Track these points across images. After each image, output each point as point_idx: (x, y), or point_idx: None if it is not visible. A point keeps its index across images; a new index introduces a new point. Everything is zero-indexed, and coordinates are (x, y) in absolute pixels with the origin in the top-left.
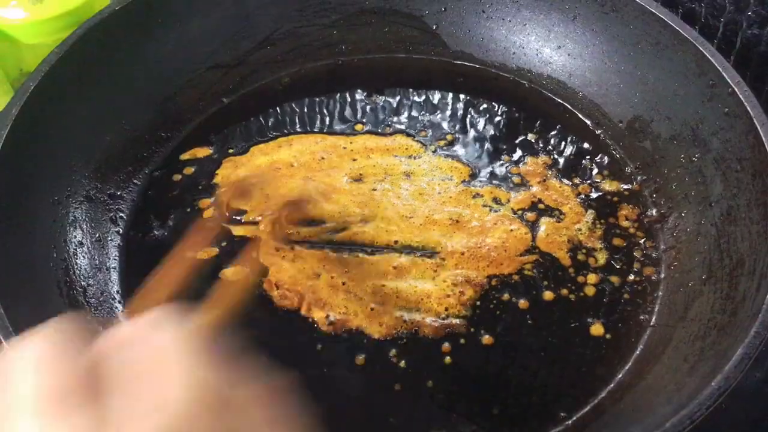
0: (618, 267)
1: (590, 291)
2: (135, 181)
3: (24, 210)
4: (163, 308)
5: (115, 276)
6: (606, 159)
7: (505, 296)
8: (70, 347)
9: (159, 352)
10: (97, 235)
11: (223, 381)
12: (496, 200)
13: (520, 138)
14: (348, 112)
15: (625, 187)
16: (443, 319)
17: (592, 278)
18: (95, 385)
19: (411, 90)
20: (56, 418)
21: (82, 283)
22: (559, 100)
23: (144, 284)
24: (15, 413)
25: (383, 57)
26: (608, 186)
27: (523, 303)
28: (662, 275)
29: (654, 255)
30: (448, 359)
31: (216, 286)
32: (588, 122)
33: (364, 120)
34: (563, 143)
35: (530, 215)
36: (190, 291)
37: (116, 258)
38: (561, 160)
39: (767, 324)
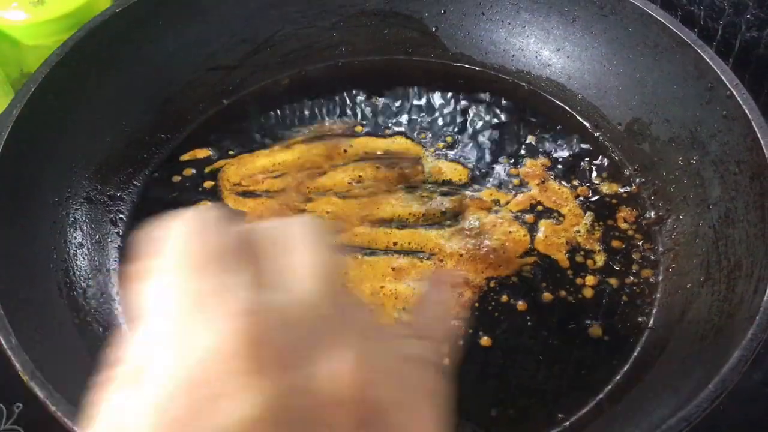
0: (616, 269)
1: (589, 293)
2: (135, 182)
3: (24, 211)
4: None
5: (115, 277)
6: (605, 161)
7: (504, 298)
8: (222, 221)
9: (305, 234)
10: (97, 237)
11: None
12: (495, 202)
13: (519, 140)
14: (348, 113)
15: (624, 189)
16: None
17: (590, 280)
18: (249, 249)
19: (411, 92)
20: (216, 274)
21: (82, 284)
22: (558, 103)
23: None
24: (176, 269)
25: (383, 59)
26: (607, 188)
27: (521, 305)
28: (660, 277)
29: (652, 257)
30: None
31: None
32: (587, 124)
33: (363, 122)
34: (562, 145)
35: (529, 217)
36: None
37: (116, 259)
38: (560, 163)
39: (764, 326)
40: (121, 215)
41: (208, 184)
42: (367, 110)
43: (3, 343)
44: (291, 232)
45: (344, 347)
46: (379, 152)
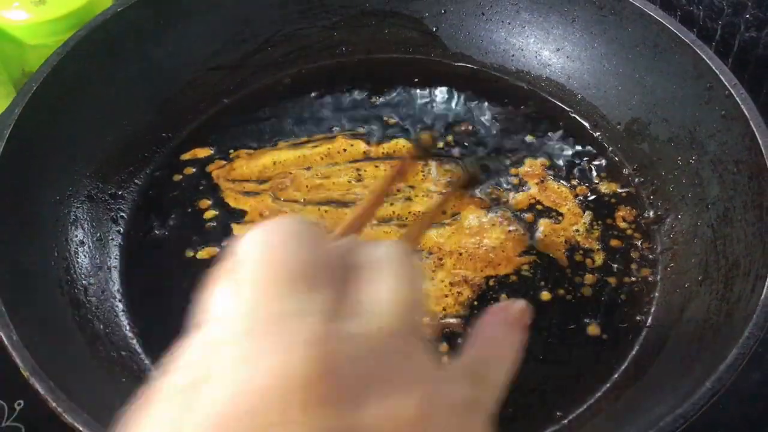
0: (615, 268)
1: (587, 292)
2: (136, 180)
3: (26, 209)
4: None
5: (115, 275)
6: (604, 161)
7: (503, 296)
8: (313, 234)
9: (397, 261)
10: (98, 235)
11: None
12: (494, 201)
13: (519, 139)
14: (348, 113)
15: (623, 188)
16: (441, 318)
17: (589, 279)
18: (336, 270)
19: (411, 92)
20: (296, 292)
21: (83, 281)
22: (558, 102)
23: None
24: (255, 280)
25: (383, 58)
26: (606, 188)
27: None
28: (659, 276)
29: (651, 256)
30: (445, 359)
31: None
32: (586, 124)
33: (364, 122)
34: (562, 145)
35: (528, 216)
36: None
37: (117, 257)
38: (559, 162)
39: (761, 324)
40: (122, 213)
41: (208, 182)
42: (368, 110)
43: (4, 339)
44: (383, 256)
45: (406, 393)
46: (381, 152)
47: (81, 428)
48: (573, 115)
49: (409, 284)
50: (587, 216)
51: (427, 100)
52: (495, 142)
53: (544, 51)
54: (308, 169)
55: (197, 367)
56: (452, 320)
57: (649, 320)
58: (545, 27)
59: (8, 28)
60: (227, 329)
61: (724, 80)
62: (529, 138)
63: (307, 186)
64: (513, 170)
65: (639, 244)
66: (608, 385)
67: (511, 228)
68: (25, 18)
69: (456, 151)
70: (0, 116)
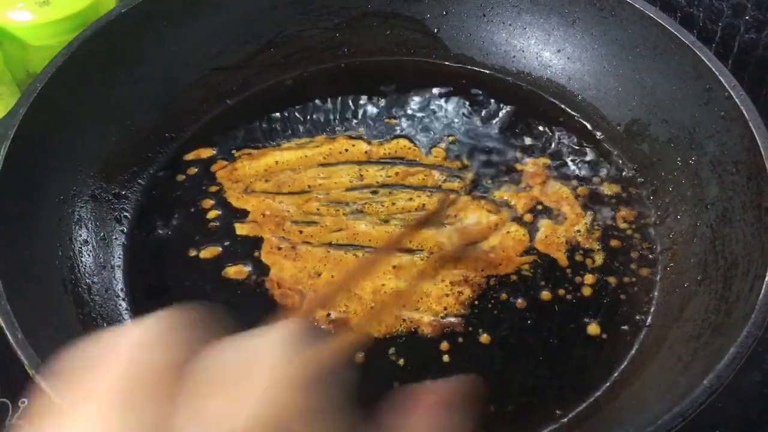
0: (615, 268)
1: (587, 291)
2: (139, 181)
3: (30, 208)
4: (288, 325)
5: (119, 274)
6: (604, 161)
7: (504, 296)
8: (170, 339)
9: (252, 368)
10: (102, 234)
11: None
12: (495, 201)
13: (520, 140)
14: (350, 114)
15: (623, 189)
16: (442, 318)
17: (589, 279)
18: (177, 382)
19: (412, 92)
20: (127, 408)
21: (87, 280)
22: (559, 103)
23: None
24: (95, 393)
25: (385, 60)
26: (606, 188)
27: (520, 303)
28: (658, 276)
29: (650, 256)
30: (446, 357)
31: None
32: (587, 125)
33: (365, 123)
34: (562, 146)
35: (529, 216)
36: (192, 291)
37: (120, 256)
38: (560, 163)
39: (759, 323)
40: (125, 213)
41: (211, 183)
42: (369, 111)
43: (9, 337)
44: (248, 358)
45: None
46: (382, 152)
47: None
48: (574, 115)
49: (269, 401)
50: (588, 216)
51: (428, 101)
52: (496, 143)
53: (544, 52)
54: (310, 169)
55: None
56: (453, 319)
57: (649, 319)
58: (546, 28)
59: (12, 29)
60: None
61: (723, 81)
62: (530, 139)
63: (309, 186)
64: (514, 171)
65: (639, 244)
66: (608, 383)
67: (512, 228)
68: (29, 19)
69: (457, 152)
70: (5, 116)
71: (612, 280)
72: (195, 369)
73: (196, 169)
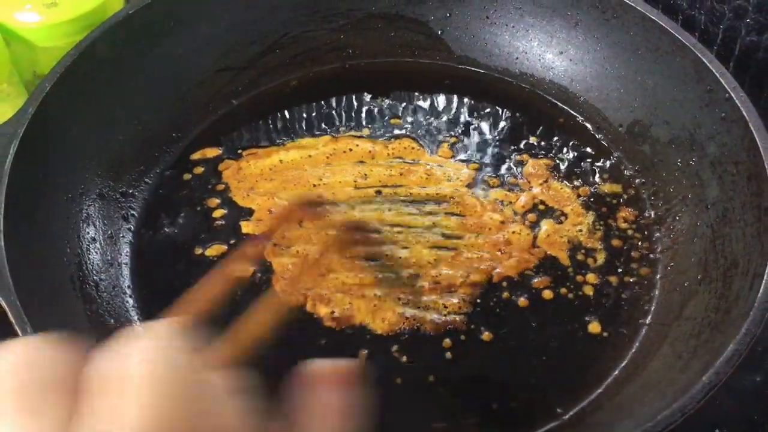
0: (616, 267)
1: (589, 290)
2: (146, 179)
3: (38, 207)
4: (176, 323)
5: (126, 271)
6: (606, 162)
7: (506, 294)
8: (59, 352)
9: (141, 370)
10: (109, 232)
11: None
12: (498, 201)
13: (523, 141)
14: (354, 114)
15: (625, 189)
16: (444, 315)
17: (590, 278)
18: (72, 390)
19: (416, 94)
20: (23, 416)
21: (95, 277)
22: (561, 105)
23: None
24: None
25: (389, 61)
26: (608, 188)
27: (522, 301)
28: (659, 275)
29: (651, 256)
30: (448, 355)
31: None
32: (589, 126)
33: (369, 123)
34: (565, 146)
35: (531, 216)
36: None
37: (128, 254)
38: (562, 163)
39: (758, 321)
40: (132, 212)
41: (217, 181)
42: (373, 111)
43: (19, 333)
44: (125, 365)
45: None
46: (385, 153)
47: None
48: (576, 117)
49: (150, 402)
50: (589, 216)
51: (432, 102)
52: (499, 143)
53: (547, 54)
54: (314, 169)
55: None
56: (456, 317)
57: (649, 318)
58: (549, 30)
59: (20, 30)
60: None
61: (724, 83)
62: (532, 139)
63: (314, 185)
64: (518, 170)
65: (640, 243)
66: (608, 381)
67: (514, 228)
68: (37, 20)
69: (459, 153)
70: (13, 116)
71: (613, 279)
72: (88, 375)
73: (203, 169)
